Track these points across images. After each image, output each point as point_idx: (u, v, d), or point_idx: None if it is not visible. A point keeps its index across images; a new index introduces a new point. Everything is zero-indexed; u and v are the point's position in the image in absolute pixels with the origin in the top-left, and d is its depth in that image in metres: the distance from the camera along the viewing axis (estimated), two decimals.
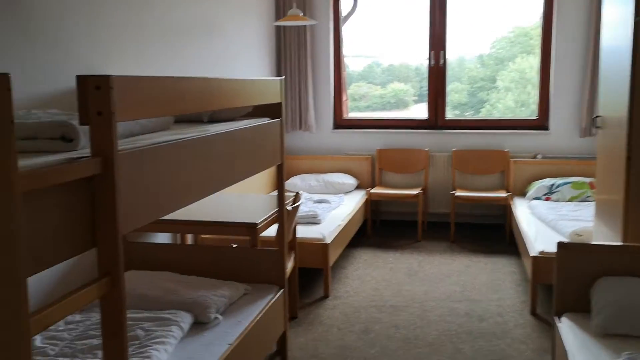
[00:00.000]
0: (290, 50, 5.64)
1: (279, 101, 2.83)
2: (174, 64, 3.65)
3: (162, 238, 3.58)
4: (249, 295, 2.85)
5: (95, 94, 1.37)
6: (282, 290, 2.98)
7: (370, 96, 6.31)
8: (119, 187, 1.43)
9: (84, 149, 1.52)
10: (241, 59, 4.80)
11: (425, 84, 5.86)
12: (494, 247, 5.03)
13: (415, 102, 6.28)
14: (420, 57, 5.97)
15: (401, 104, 6.36)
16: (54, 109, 2.36)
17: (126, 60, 3.14)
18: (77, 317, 2.45)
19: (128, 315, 2.42)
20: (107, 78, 1.37)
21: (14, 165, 1.09)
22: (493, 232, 5.39)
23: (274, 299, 2.85)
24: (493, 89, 6.21)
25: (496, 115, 6.12)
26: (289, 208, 3.19)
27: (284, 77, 2.88)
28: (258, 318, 2.64)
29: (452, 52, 5.75)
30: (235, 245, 3.61)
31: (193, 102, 1.86)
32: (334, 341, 3.29)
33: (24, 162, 1.26)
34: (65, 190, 1.31)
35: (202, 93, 1.93)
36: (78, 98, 1.38)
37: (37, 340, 2.24)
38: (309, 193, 5.28)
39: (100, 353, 2.14)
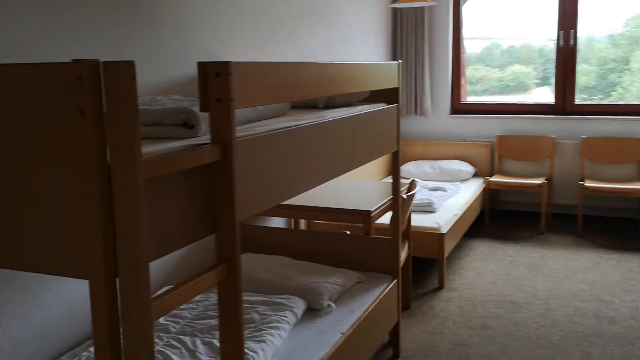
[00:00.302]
0: (406, 33, 5.50)
1: (396, 86, 2.74)
2: (291, 49, 3.66)
3: (277, 222, 3.63)
4: (362, 284, 2.81)
5: (215, 81, 1.37)
6: (395, 281, 2.91)
7: (488, 79, 6.02)
8: (237, 174, 1.43)
9: (204, 135, 1.53)
10: (357, 43, 4.74)
11: (549, 66, 5.50)
12: (627, 243, 4.65)
13: (537, 85, 5.91)
14: (545, 38, 5.60)
15: (521, 88, 6.01)
16: (177, 95, 2.43)
17: (245, 46, 3.18)
18: (198, 296, 2.53)
19: (245, 299, 2.47)
20: (226, 64, 1.36)
21: (138, 152, 1.10)
22: (626, 227, 4.99)
23: (387, 289, 2.79)
24: (626, 71, 5.71)
25: (629, 99, 5.63)
26: (404, 196, 3.11)
27: (401, 61, 2.78)
28: (371, 308, 2.59)
29: (581, 32, 5.34)
30: (348, 233, 3.58)
31: (309, 88, 1.83)
32: (449, 335, 3.18)
33: (148, 149, 1.28)
34: (185, 177, 1.32)
35: (319, 79, 1.89)
36: (199, 85, 1.38)
37: (161, 318, 2.33)
38: (424, 180, 5.15)
39: (218, 334, 2.20)
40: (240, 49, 3.13)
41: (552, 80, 5.39)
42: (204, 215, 1.39)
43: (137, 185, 1.11)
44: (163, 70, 2.59)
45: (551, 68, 5.39)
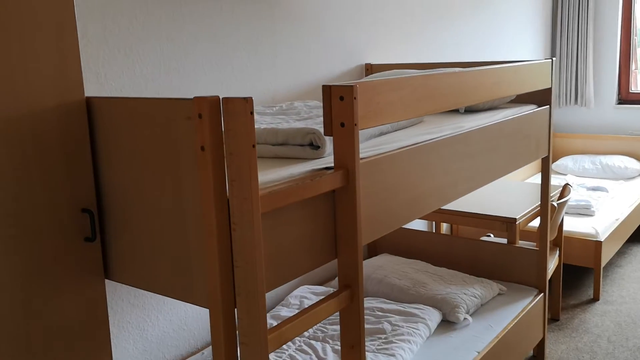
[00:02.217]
0: (568, 16, 5.07)
1: (548, 86, 2.53)
2: (437, 45, 3.53)
3: (417, 224, 3.55)
4: (503, 297, 2.65)
5: (339, 105, 1.33)
6: (541, 295, 2.71)
7: None
8: (360, 198, 1.39)
9: (330, 156, 1.51)
10: (512, 33, 4.46)
11: None
12: None
13: None
14: None
15: None
16: (314, 100, 2.44)
17: (389, 44, 3.12)
18: None
19: (376, 305, 2.44)
20: (350, 88, 1.32)
21: (256, 187, 1.10)
22: None
23: (531, 304, 2.61)
24: None
25: None
26: (555, 204, 2.87)
27: (554, 58, 2.55)
28: (512, 325, 2.44)
29: None
30: (491, 235, 3.41)
31: (445, 100, 1.73)
32: (603, 356, 2.91)
33: (267, 177, 1.28)
34: (306, 204, 1.30)
35: (456, 88, 1.78)
36: (323, 108, 1.36)
37: None
38: (582, 177, 4.75)
39: None
40: (382, 49, 3.08)
41: None
42: (325, 241, 1.38)
43: (255, 219, 1.11)
44: (303, 73, 2.61)
45: None
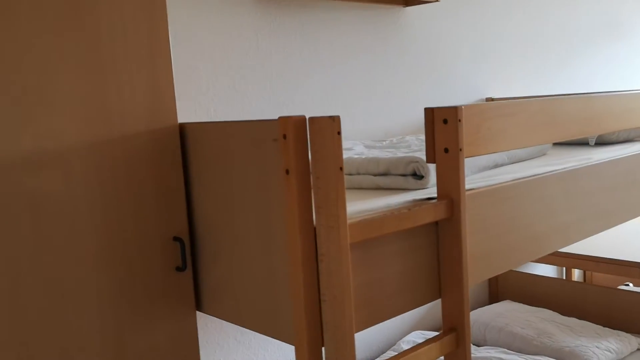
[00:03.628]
0: None
1: None
2: (564, 78, 3.29)
3: (545, 270, 3.26)
4: None
5: (442, 129, 1.23)
6: None
7: None
8: (467, 233, 1.26)
9: (434, 186, 1.40)
10: None
11: None
12: None
13: None
14: None
15: None
16: None
17: (513, 76, 2.94)
18: None
19: (495, 355, 2.23)
20: (455, 110, 1.21)
21: (343, 214, 1.02)
22: None
23: None
24: None
25: None
26: None
27: None
28: None
29: None
30: (630, 285, 3.04)
31: (568, 128, 1.56)
32: None
33: (360, 206, 1.19)
34: (406, 236, 1.19)
35: (581, 116, 1.60)
36: (425, 132, 1.25)
37: None
38: None
39: None
40: (505, 81, 2.91)
41: None
42: (426, 279, 1.25)
43: (343, 249, 1.02)
44: (419, 108, 2.51)
45: None
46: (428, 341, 1.24)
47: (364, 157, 1.49)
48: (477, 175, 1.53)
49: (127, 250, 1.22)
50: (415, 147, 1.89)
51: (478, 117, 1.29)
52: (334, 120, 1.00)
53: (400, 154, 1.75)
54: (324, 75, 2.16)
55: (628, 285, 3.05)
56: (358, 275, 1.10)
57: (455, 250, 1.25)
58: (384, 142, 2.04)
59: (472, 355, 2.25)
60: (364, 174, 1.46)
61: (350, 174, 1.48)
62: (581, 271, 3.32)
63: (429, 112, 1.25)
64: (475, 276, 1.32)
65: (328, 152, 1.00)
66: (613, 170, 1.80)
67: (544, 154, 1.97)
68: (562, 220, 1.59)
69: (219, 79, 1.87)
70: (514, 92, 2.97)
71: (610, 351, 2.23)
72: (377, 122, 2.34)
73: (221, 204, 1.25)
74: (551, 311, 2.60)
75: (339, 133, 1.00)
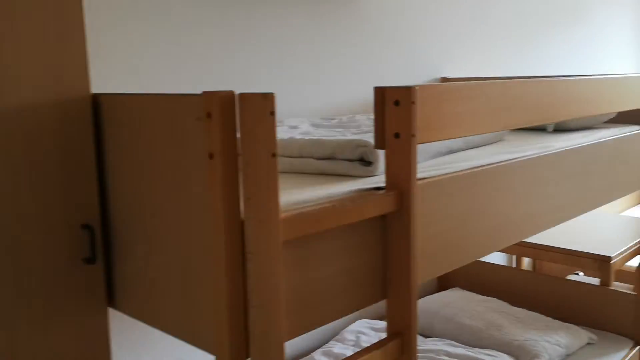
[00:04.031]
0: None
1: None
2: (521, 59, 3.20)
3: (495, 258, 3.20)
4: (593, 347, 2.28)
5: (394, 111, 1.09)
6: (638, 348, 2.31)
7: None
8: (417, 227, 1.13)
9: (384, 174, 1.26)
10: (609, 48, 4.05)
11: None
12: None
13: None
14: None
15: None
16: None
17: (469, 56, 2.83)
18: None
19: (442, 348, 2.14)
20: (408, 90, 1.07)
21: (275, 207, 0.87)
22: None
23: (626, 359, 2.22)
24: None
25: None
26: None
27: None
28: None
29: None
30: (579, 274, 3.01)
31: (529, 113, 1.44)
32: None
33: (303, 195, 1.05)
34: (347, 232, 1.06)
35: (543, 100, 1.49)
36: (374, 115, 1.11)
37: None
38: None
39: None
40: (461, 61, 2.80)
41: None
42: (371, 278, 1.12)
43: (274, 247, 0.88)
44: (371, 85, 2.37)
45: None
46: (368, 348, 1.12)
47: (307, 137, 1.34)
48: (429, 162, 1.40)
49: (25, 239, 1.05)
50: (366, 127, 1.75)
51: (435, 100, 1.15)
52: (267, 98, 0.84)
53: (349, 135, 1.61)
54: (270, 46, 2.00)
55: (578, 274, 3.02)
56: (292, 276, 0.96)
57: (403, 246, 1.12)
58: (333, 121, 1.90)
59: (418, 347, 2.16)
60: (307, 157, 1.31)
61: (291, 157, 1.33)
62: (531, 260, 3.27)
63: (379, 93, 1.10)
64: (426, 274, 1.20)
65: (260, 135, 0.85)
66: (574, 159, 1.71)
67: (502, 140, 1.87)
68: (520, 212, 1.48)
69: (146, 46, 1.68)
70: (469, 73, 2.86)
71: (560, 345, 2.18)
72: (328, 100, 2.19)
73: (137, 189, 1.08)
74: (501, 301, 2.54)
75: (273, 113, 0.85)
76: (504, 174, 1.42)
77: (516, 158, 1.49)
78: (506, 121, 1.36)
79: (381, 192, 1.11)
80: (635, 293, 2.36)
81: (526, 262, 3.28)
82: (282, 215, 0.91)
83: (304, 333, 0.99)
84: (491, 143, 1.79)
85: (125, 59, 1.60)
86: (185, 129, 0.94)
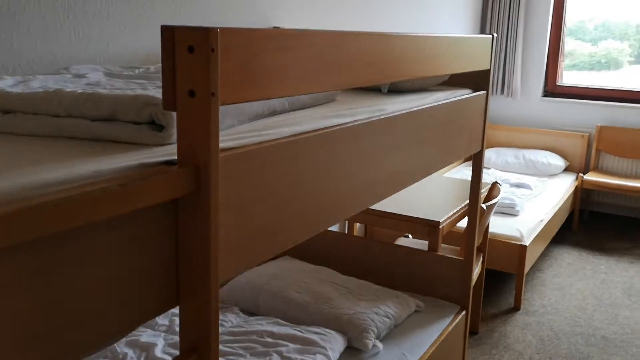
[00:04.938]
0: (499, 3, 4.73)
1: (487, 67, 2.10)
2: (358, 20, 3.04)
3: None
4: (421, 315, 2.23)
5: (187, 61, 0.81)
6: (463, 312, 2.31)
7: (578, 54, 5.14)
8: (220, 213, 0.88)
9: None
10: (440, 14, 4.05)
11: None
12: None
13: (631, 63, 5.00)
14: None
15: (613, 65, 5.12)
16: None
17: (303, 6, 2.59)
18: None
19: (267, 329, 1.95)
20: (206, 33, 0.79)
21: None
22: None
23: (452, 325, 2.20)
24: None
25: None
26: (484, 206, 2.48)
27: (495, 34, 2.13)
28: (430, 352, 2.02)
29: None
30: (409, 236, 2.99)
31: (363, 71, 1.24)
32: None
33: (58, 172, 0.74)
34: (125, 223, 0.77)
35: (379, 57, 1.29)
36: (162, 65, 0.83)
37: None
38: (505, 172, 4.45)
39: None
40: (295, 13, 2.55)
41: None
42: (158, 282, 0.85)
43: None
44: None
45: None
46: None
47: (80, 91, 1.01)
48: (245, 125, 1.15)
49: None
50: (154, 85, 1.43)
51: (247, 47, 0.89)
52: None
53: (151, 89, 1.29)
54: None
55: (408, 236, 3.00)
56: (36, 290, 0.67)
57: (200, 238, 0.86)
58: (138, 71, 1.56)
59: (242, 329, 1.95)
60: (77, 116, 0.98)
61: (57, 116, 1.00)
62: (362, 225, 3.20)
63: (168, 34, 0.81)
64: (231, 269, 0.95)
65: None
66: (408, 125, 1.55)
67: (333, 100, 1.66)
68: (349, 185, 1.29)
69: None
70: (305, 25, 2.64)
71: (388, 317, 2.08)
72: (137, 44, 1.84)
73: None
74: (331, 270, 2.40)
75: None
76: (332, 142, 1.21)
77: (347, 123, 1.29)
78: (338, 78, 1.14)
79: (172, 167, 0.84)
80: (461, 258, 2.34)
81: (358, 227, 3.20)
82: (12, 207, 0.60)
83: (87, 353, 0.70)
84: (321, 104, 1.58)
85: None
86: None
